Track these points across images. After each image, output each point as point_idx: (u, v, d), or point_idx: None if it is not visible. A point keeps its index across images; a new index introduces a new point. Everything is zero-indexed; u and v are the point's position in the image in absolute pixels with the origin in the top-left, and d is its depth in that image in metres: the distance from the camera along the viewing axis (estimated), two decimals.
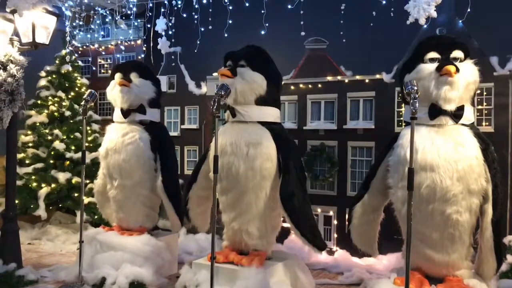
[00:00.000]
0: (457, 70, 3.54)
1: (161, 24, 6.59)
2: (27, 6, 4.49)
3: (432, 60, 3.70)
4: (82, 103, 4.88)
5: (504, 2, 5.34)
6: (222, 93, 3.77)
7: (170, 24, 6.80)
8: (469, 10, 5.06)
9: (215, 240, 3.77)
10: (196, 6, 6.52)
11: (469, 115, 3.71)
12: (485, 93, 5.28)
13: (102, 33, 8.30)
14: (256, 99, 4.42)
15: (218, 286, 3.94)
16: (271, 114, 4.52)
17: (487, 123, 5.27)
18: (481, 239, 3.60)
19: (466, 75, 3.60)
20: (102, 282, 4.69)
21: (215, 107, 3.67)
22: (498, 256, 3.53)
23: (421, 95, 3.48)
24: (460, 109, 3.63)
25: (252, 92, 4.39)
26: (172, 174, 5.38)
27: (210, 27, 6.03)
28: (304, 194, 4.41)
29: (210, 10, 6.07)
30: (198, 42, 6.62)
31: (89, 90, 4.97)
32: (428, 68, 3.67)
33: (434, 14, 4.02)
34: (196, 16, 6.55)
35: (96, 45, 8.34)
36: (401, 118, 5.71)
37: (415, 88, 3.14)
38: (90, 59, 8.40)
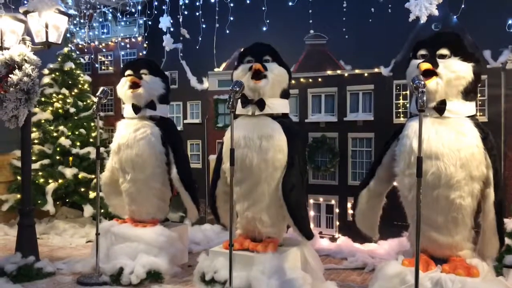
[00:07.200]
0: (435, 66, 3.76)
1: (165, 22, 6.71)
2: (46, 7, 4.61)
3: (422, 56, 3.96)
4: (95, 99, 5.00)
5: None
6: (237, 89, 3.90)
7: (172, 21, 6.93)
8: (463, 6, 5.31)
9: (232, 228, 3.97)
10: (197, 4, 6.70)
11: (458, 109, 3.85)
12: (479, 85, 5.54)
13: (103, 30, 8.40)
14: (281, 92, 4.67)
15: (235, 271, 4.12)
16: (288, 106, 4.80)
17: (481, 113, 5.53)
18: (484, 222, 3.84)
19: (446, 72, 3.77)
20: (119, 272, 4.88)
21: (230, 103, 3.83)
22: (501, 236, 3.81)
23: None
24: (442, 103, 3.81)
25: (280, 85, 4.63)
26: (186, 166, 5.60)
27: (217, 25, 6.20)
28: (302, 187, 4.65)
29: (217, 9, 6.22)
30: (200, 39, 6.79)
31: (101, 88, 5.05)
32: (416, 63, 3.92)
33: (436, 12, 4.12)
34: (197, 14, 6.71)
35: (97, 42, 8.44)
36: (399, 110, 5.99)
37: (422, 82, 3.36)
38: (92, 56, 8.50)
